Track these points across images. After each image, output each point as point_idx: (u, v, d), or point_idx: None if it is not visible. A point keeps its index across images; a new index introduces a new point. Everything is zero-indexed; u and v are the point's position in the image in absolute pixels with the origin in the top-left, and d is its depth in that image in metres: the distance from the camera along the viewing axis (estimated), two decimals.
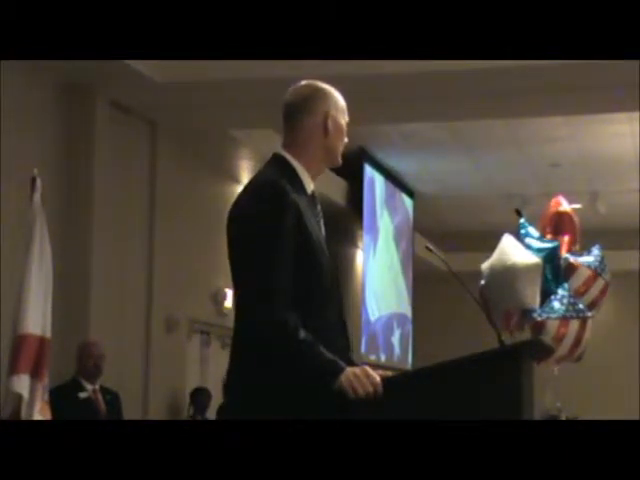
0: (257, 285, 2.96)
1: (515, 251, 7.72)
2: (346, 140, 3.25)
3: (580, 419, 10.01)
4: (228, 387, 3.12)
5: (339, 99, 3.23)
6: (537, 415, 3.22)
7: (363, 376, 2.92)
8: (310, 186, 3.20)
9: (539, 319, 7.59)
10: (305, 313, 2.99)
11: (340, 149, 3.21)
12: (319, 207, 3.23)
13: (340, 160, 3.23)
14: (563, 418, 11.20)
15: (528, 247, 7.87)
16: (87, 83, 8.16)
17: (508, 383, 3.01)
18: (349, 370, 2.94)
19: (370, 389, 2.91)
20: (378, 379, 2.94)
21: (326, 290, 3.11)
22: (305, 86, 3.23)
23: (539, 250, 7.83)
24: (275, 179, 3.08)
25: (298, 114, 3.17)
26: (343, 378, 2.91)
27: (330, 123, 3.16)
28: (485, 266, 7.91)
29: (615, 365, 15.97)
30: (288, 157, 3.17)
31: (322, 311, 3.06)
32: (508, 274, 7.64)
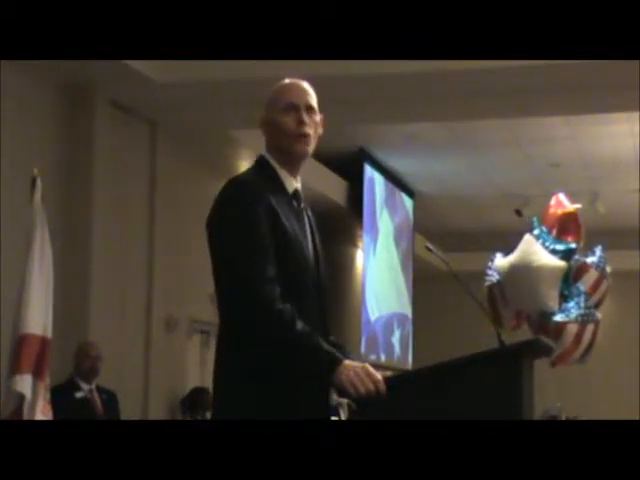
0: (246, 281, 2.97)
1: (541, 253, 7.70)
2: (312, 120, 3.16)
3: (580, 419, 10.02)
4: (221, 385, 3.08)
5: (275, 94, 3.20)
6: (537, 415, 3.22)
7: (364, 374, 2.89)
8: (292, 184, 3.20)
9: (560, 322, 7.58)
10: None
11: (289, 138, 3.15)
12: (302, 205, 3.22)
13: (304, 148, 3.16)
14: (563, 418, 11.22)
15: (543, 247, 7.84)
16: (87, 83, 8.16)
17: (508, 383, 3.01)
18: (350, 367, 2.89)
19: (371, 387, 2.88)
20: (380, 377, 2.91)
21: (303, 287, 3.09)
22: None
23: (554, 251, 7.81)
24: (245, 178, 3.16)
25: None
26: (344, 376, 2.87)
27: (265, 129, 3.20)
28: (502, 264, 7.86)
29: (615, 365, 15.98)
30: (267, 157, 3.22)
31: (299, 307, 3.00)
32: (533, 275, 7.61)
